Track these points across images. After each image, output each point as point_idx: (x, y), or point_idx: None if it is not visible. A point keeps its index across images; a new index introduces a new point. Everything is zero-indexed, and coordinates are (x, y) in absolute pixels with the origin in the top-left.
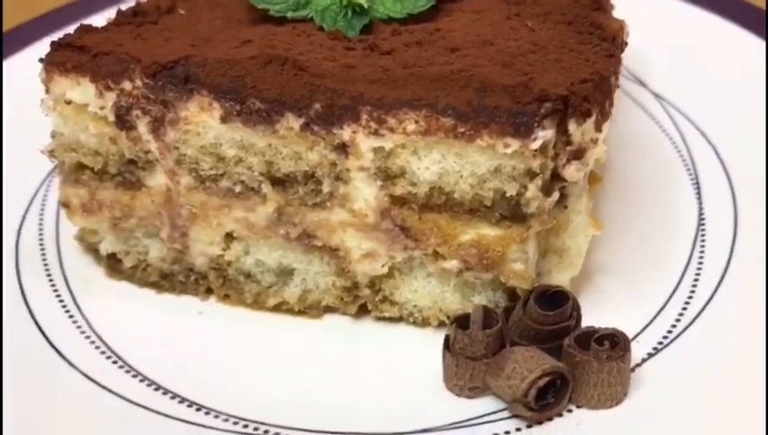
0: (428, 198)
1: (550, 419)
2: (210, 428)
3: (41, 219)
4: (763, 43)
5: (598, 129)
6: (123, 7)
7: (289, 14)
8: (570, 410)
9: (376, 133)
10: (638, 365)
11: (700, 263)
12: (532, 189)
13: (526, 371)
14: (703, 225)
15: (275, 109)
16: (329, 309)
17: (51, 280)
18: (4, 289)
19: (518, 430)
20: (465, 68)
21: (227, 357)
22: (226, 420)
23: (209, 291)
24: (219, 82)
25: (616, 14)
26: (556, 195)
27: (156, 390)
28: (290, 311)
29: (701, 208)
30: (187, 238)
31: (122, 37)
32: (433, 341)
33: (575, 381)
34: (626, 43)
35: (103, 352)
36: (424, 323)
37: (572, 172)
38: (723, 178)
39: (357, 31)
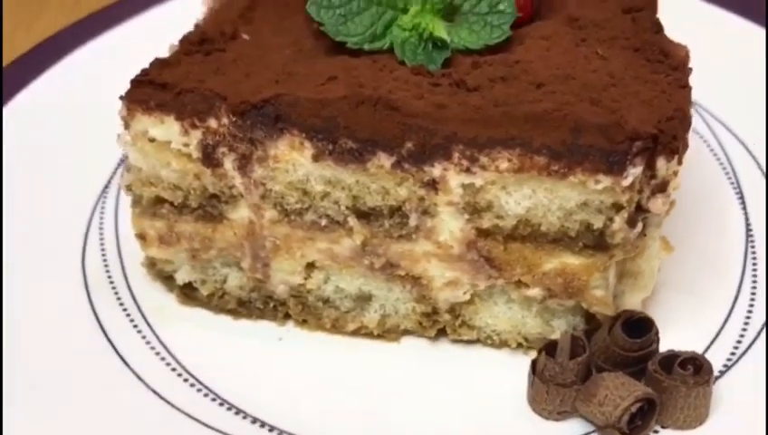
0: (514, 230)
1: None
2: None
3: (102, 246)
4: None
5: (679, 162)
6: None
7: (366, 46)
8: (656, 432)
9: (467, 171)
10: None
11: (754, 274)
12: (618, 222)
13: (618, 398)
14: (751, 233)
15: (368, 148)
16: (406, 332)
17: (124, 309)
18: (78, 318)
19: None
20: (557, 107)
21: (309, 381)
22: None
23: (287, 316)
24: (312, 123)
25: None
26: (640, 226)
27: (236, 413)
28: (368, 335)
29: (747, 217)
30: (268, 268)
31: (201, 71)
32: (510, 362)
33: (662, 405)
34: (691, 70)
35: (186, 380)
36: (501, 344)
37: (659, 205)
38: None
39: (438, 65)
